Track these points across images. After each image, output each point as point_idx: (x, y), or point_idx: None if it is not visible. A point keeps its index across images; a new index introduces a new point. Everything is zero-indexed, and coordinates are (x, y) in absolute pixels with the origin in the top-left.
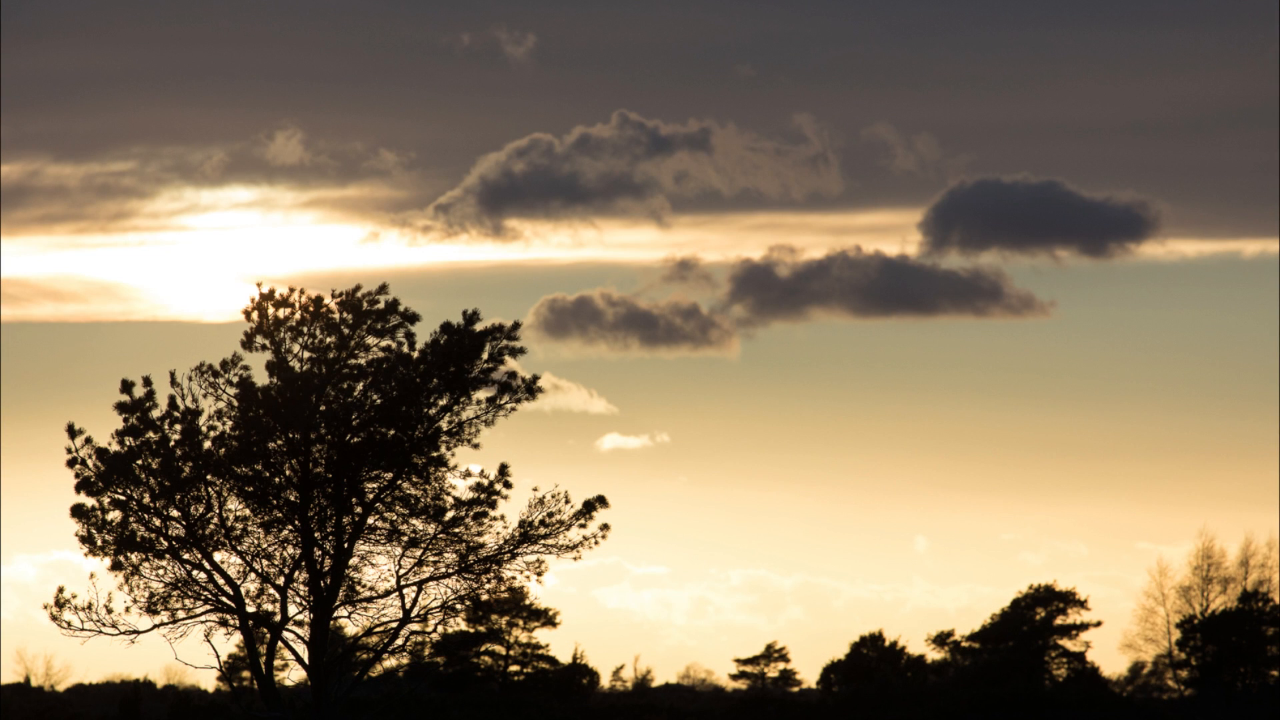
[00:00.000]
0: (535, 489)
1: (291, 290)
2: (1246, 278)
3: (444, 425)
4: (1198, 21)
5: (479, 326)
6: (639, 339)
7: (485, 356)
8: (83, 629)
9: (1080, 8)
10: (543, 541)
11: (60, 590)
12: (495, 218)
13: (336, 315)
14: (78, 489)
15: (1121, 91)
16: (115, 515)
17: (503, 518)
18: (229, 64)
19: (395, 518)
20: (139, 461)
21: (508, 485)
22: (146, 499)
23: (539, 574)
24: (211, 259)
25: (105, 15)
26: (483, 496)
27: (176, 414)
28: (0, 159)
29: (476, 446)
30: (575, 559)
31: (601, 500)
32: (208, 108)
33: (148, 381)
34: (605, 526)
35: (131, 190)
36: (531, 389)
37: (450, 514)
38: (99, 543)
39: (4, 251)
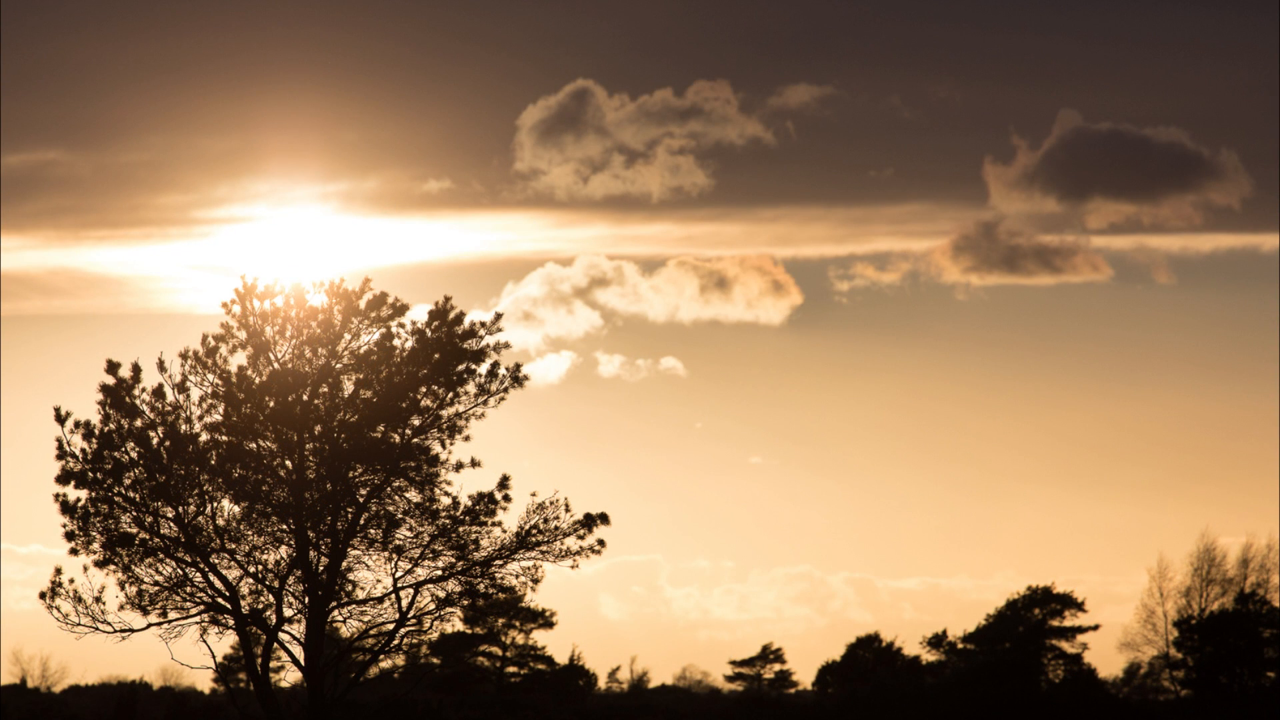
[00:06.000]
0: (534, 494)
1: (277, 282)
2: (1249, 277)
3: (441, 415)
4: (1198, 21)
5: (465, 319)
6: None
7: (472, 347)
8: (78, 623)
9: (1082, 8)
10: (539, 548)
11: (56, 578)
12: (495, 212)
13: (327, 308)
14: (77, 486)
15: (1124, 90)
16: (105, 511)
17: (500, 522)
18: (234, 59)
19: (393, 514)
20: (133, 460)
21: (507, 499)
22: (138, 497)
23: (535, 581)
24: (216, 253)
25: (106, 10)
26: (482, 506)
27: (169, 409)
28: (3, 152)
29: (468, 439)
30: (573, 567)
31: (603, 517)
32: (216, 101)
33: (139, 376)
34: (602, 543)
35: (142, 182)
36: (517, 378)
37: (444, 517)
38: (95, 540)
39: (9, 245)
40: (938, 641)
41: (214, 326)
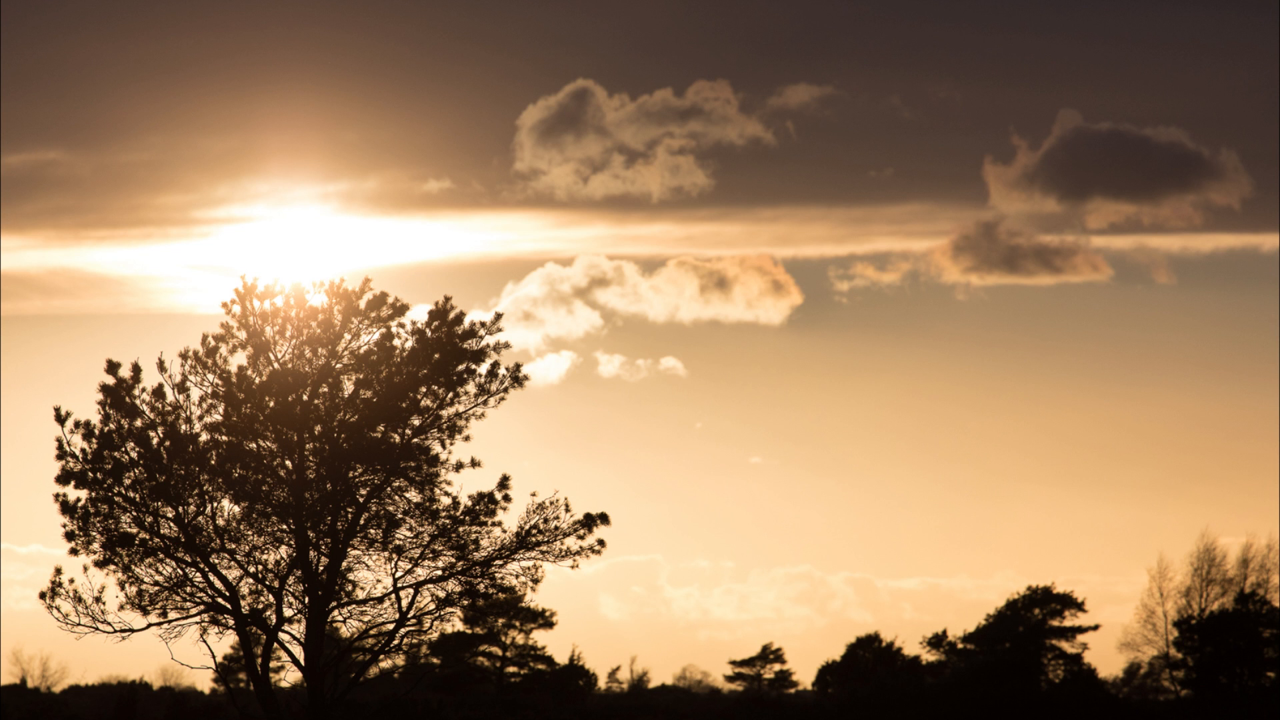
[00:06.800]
0: (534, 494)
1: (277, 282)
2: (1249, 277)
3: (441, 415)
4: (1198, 21)
5: (465, 319)
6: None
7: (472, 347)
8: (78, 623)
9: (1082, 8)
10: (539, 548)
11: (56, 578)
12: (495, 212)
13: (327, 308)
14: (77, 486)
15: (1124, 90)
16: (105, 511)
17: (500, 522)
18: (234, 59)
19: (393, 514)
20: (133, 460)
21: (507, 499)
22: (138, 497)
23: (535, 581)
24: (216, 253)
25: (106, 9)
26: (482, 506)
27: (169, 409)
28: (3, 152)
29: (468, 439)
30: (573, 567)
31: (603, 517)
32: (216, 101)
33: (139, 376)
34: (602, 543)
35: (142, 182)
36: (517, 378)
37: (444, 517)
38: (95, 540)
39: (9, 245)
40: (938, 641)
41: (214, 326)
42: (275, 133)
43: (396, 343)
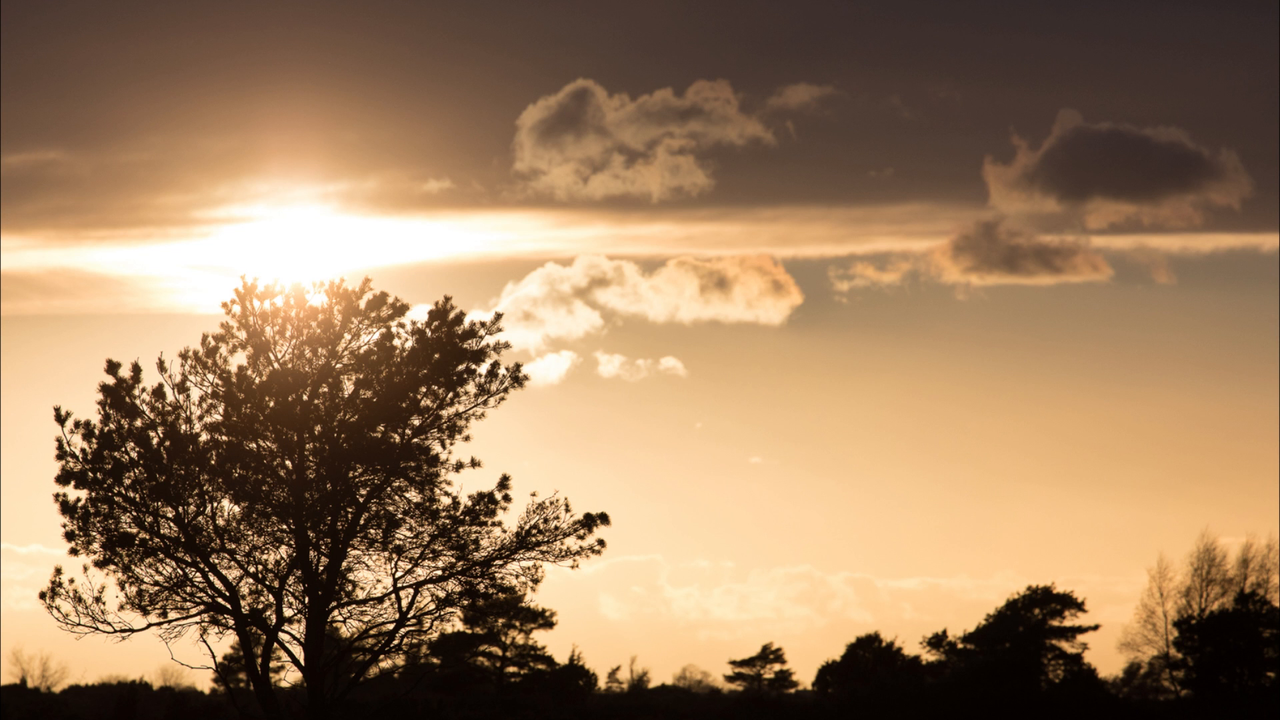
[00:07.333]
0: (534, 494)
1: (277, 282)
2: (1249, 277)
3: (441, 415)
4: (1198, 21)
5: (465, 319)
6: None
7: (472, 347)
8: (78, 623)
9: (1082, 8)
10: (539, 548)
11: (56, 578)
12: (495, 212)
13: (327, 308)
14: (77, 486)
15: (1124, 90)
16: (105, 511)
17: (500, 522)
18: (234, 59)
19: (393, 514)
20: (133, 460)
21: (507, 499)
22: (138, 497)
23: (535, 581)
24: (216, 253)
25: (106, 9)
26: (482, 506)
27: (169, 409)
28: (3, 152)
29: (468, 439)
30: (573, 567)
31: (603, 517)
32: (216, 101)
33: (139, 376)
34: (602, 543)
35: (142, 182)
36: (517, 378)
37: (444, 517)
38: (95, 540)
39: (9, 245)
40: (938, 641)
41: (214, 326)
42: (275, 133)
43: (396, 343)
